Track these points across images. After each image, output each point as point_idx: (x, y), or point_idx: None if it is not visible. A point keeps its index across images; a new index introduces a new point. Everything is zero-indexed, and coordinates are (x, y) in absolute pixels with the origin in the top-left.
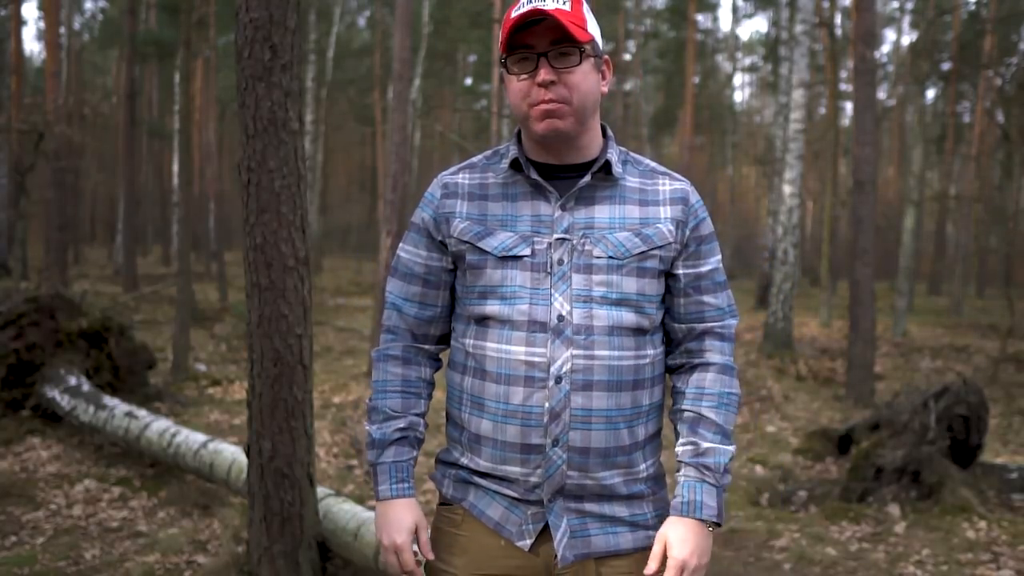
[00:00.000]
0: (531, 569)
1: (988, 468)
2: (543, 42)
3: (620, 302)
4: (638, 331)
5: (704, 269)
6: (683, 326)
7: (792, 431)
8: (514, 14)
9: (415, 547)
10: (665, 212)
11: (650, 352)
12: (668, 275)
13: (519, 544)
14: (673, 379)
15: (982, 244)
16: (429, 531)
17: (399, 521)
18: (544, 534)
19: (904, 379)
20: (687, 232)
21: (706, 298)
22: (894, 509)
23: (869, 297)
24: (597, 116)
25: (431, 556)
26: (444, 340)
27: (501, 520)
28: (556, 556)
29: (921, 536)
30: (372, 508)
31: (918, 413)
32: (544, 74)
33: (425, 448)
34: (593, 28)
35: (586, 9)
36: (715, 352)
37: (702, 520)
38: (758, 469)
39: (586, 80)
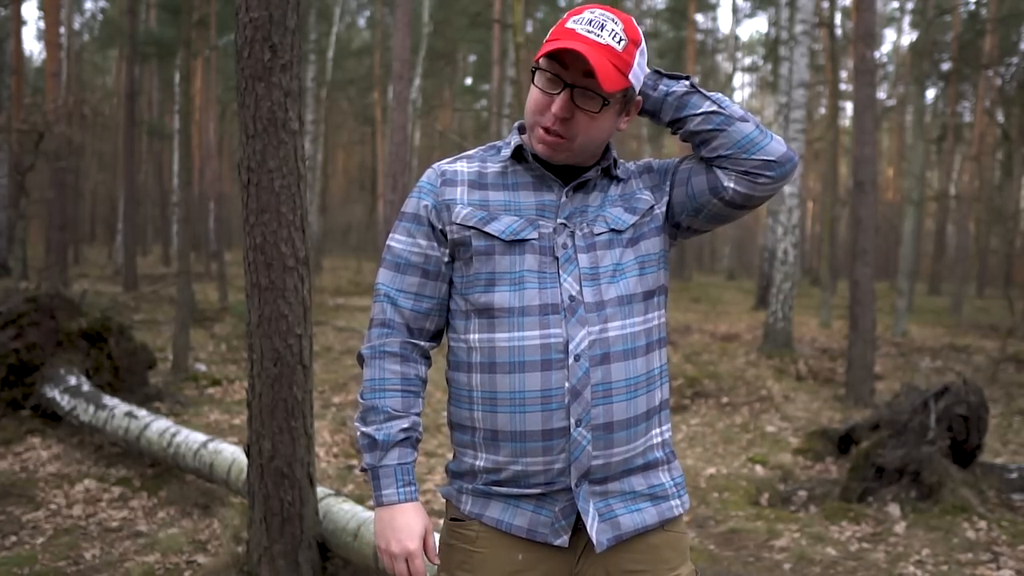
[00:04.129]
0: None
1: (988, 468)
2: (576, 70)
3: (626, 271)
4: (646, 295)
5: (674, 161)
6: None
7: (792, 431)
8: (568, 25)
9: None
10: (639, 184)
11: (655, 314)
12: (674, 191)
13: (556, 543)
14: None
15: (982, 244)
16: (438, 546)
17: (409, 527)
18: (574, 528)
19: (904, 379)
20: (659, 178)
21: (695, 163)
22: (894, 509)
23: (869, 297)
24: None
25: (438, 561)
26: (436, 337)
27: (531, 526)
28: (592, 542)
29: (921, 536)
30: (372, 508)
31: (918, 413)
32: (559, 108)
33: (424, 448)
34: (636, 73)
35: (641, 52)
36: None
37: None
38: (758, 469)
39: (599, 127)
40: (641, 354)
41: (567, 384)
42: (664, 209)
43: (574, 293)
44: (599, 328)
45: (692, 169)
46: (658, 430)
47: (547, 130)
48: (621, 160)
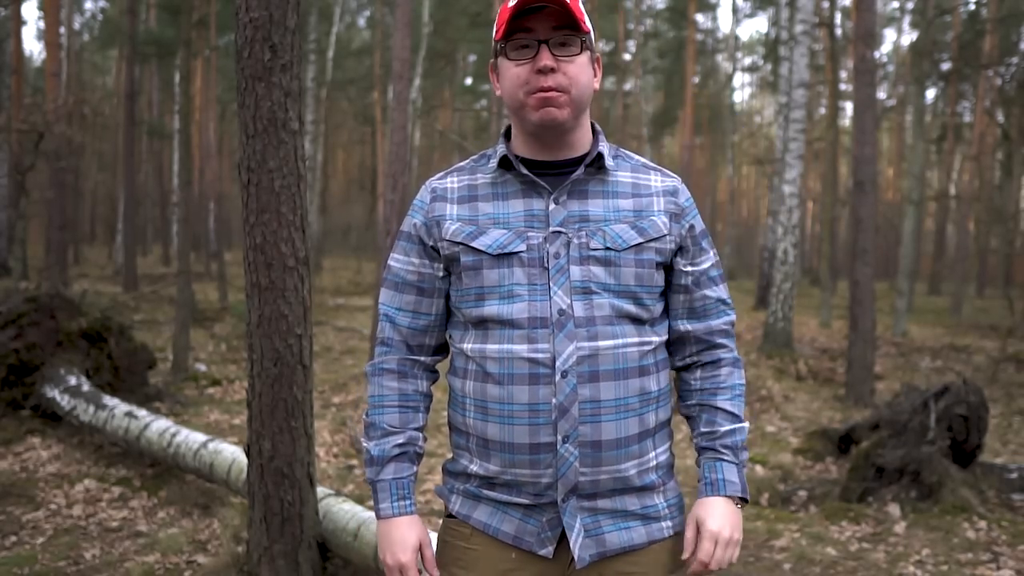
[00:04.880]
0: None
1: (988, 468)
2: (544, 28)
3: (620, 293)
4: (638, 321)
5: (705, 266)
6: (688, 323)
7: (792, 431)
8: (512, 3)
9: (420, 565)
10: (658, 205)
11: (654, 339)
12: (667, 269)
13: (541, 553)
14: (683, 376)
15: (982, 244)
16: (435, 545)
17: (403, 540)
18: (562, 539)
19: (904, 379)
20: (683, 231)
21: (708, 292)
22: (894, 509)
23: (869, 297)
24: (588, 112)
25: (436, 573)
26: (440, 351)
27: (518, 533)
28: (573, 558)
29: (921, 536)
30: (372, 509)
31: (918, 413)
32: (546, 59)
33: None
34: (588, 24)
35: (580, 4)
36: (724, 349)
37: (728, 496)
38: (758, 469)
39: (584, 72)
40: (634, 375)
41: (554, 400)
42: (674, 248)
43: (564, 307)
44: (589, 345)
45: (681, 297)
46: (653, 453)
47: (541, 90)
48: (639, 157)
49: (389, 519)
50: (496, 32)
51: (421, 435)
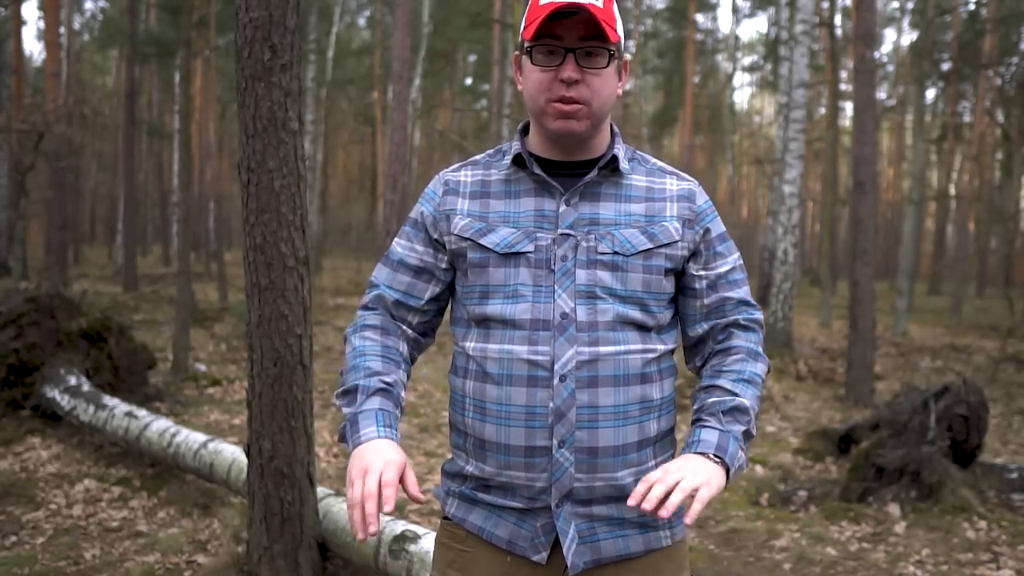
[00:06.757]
0: None
1: (988, 468)
2: (573, 35)
3: (625, 299)
4: (643, 327)
5: (722, 270)
6: (705, 324)
7: (792, 431)
8: (543, 1)
9: (399, 492)
10: (671, 210)
11: (659, 347)
12: (681, 275)
13: (535, 558)
14: (700, 375)
15: (982, 244)
16: (432, 547)
17: (382, 453)
18: (557, 545)
19: (904, 379)
20: (697, 236)
21: (726, 294)
22: (894, 509)
23: (869, 297)
24: (609, 116)
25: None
26: (421, 330)
27: (512, 538)
28: (567, 564)
29: (921, 536)
30: None
31: (918, 413)
32: (570, 71)
33: (424, 448)
34: (621, 29)
35: (616, 8)
36: (739, 339)
37: (699, 453)
38: (758, 469)
39: (608, 85)
40: (635, 382)
41: (551, 404)
42: (687, 255)
43: (567, 310)
44: (589, 350)
45: (697, 302)
46: (653, 462)
47: (562, 100)
48: (657, 160)
49: (373, 440)
50: (524, 30)
51: (403, 390)
